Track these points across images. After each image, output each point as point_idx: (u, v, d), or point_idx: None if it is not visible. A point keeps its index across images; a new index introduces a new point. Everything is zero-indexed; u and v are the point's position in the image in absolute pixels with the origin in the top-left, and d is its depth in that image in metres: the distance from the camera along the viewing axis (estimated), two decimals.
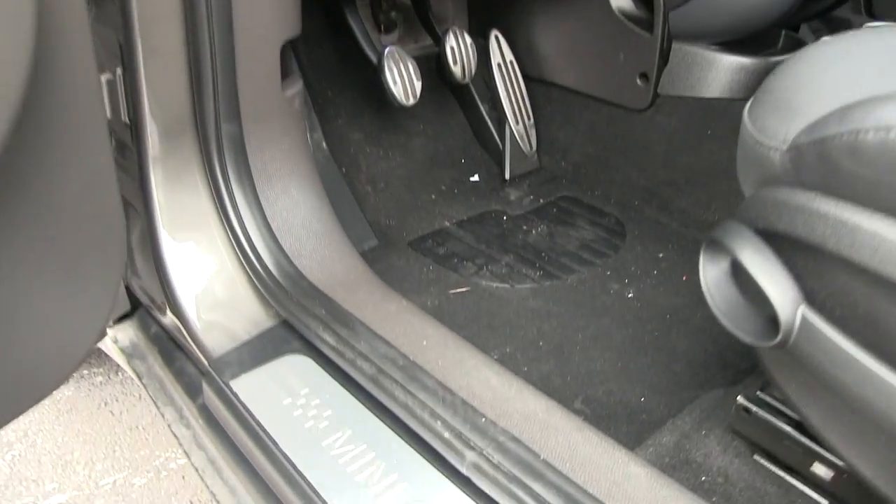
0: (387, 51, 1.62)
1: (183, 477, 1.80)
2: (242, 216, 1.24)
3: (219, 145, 1.22)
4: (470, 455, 0.90)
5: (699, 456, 1.00)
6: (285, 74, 1.30)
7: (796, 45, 1.66)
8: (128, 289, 1.42)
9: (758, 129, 0.85)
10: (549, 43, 1.89)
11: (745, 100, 1.67)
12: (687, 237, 1.67)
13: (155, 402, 1.24)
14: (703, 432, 1.04)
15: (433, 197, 1.83)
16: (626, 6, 1.69)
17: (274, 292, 1.19)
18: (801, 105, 0.80)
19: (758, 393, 0.96)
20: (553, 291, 1.51)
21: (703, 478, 0.98)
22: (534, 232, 1.71)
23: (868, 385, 0.69)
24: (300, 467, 0.97)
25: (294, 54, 1.66)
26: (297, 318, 1.15)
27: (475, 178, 1.90)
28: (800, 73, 0.86)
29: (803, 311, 0.75)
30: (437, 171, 1.89)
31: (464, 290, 1.51)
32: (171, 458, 1.85)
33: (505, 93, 1.89)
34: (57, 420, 1.97)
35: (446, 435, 0.92)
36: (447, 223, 1.74)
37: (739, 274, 0.84)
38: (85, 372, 2.13)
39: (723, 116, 1.67)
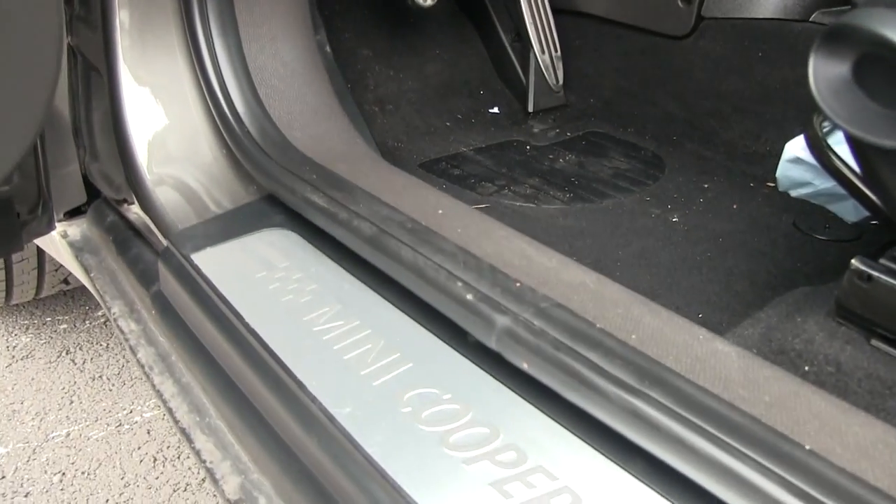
0: None
1: (148, 431, 1.56)
2: (224, 76, 1.02)
3: None
4: (501, 321, 0.66)
5: (798, 344, 0.77)
6: None
7: None
8: (85, 180, 1.19)
9: None
10: None
11: (802, 21, 1.50)
12: (734, 170, 1.45)
13: (102, 298, 1.01)
14: (799, 320, 0.80)
15: (447, 124, 1.62)
16: None
17: (256, 160, 0.97)
18: None
19: (880, 260, 0.73)
20: (585, 213, 1.29)
21: (807, 367, 0.74)
22: (561, 160, 1.50)
23: None
24: (271, 345, 0.74)
25: None
26: (282, 185, 0.92)
27: (495, 109, 1.69)
28: None
29: None
30: (452, 98, 1.68)
31: (483, 206, 1.29)
32: (136, 411, 1.61)
33: (530, 17, 1.68)
34: (9, 367, 1.73)
35: (469, 297, 0.69)
36: (463, 148, 1.53)
37: (869, 72, 0.62)
38: (48, 319, 1.89)
39: (775, 38, 1.46)
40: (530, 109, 1.68)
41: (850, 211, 1.14)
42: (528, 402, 0.64)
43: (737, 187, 1.40)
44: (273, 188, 0.94)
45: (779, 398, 0.60)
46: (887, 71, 0.60)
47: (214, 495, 1.42)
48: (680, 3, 1.56)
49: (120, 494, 1.42)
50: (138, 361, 0.89)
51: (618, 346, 0.63)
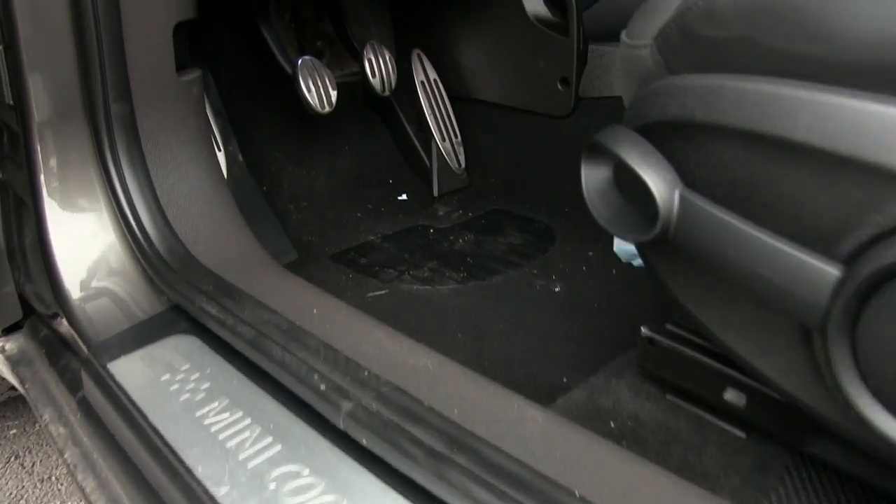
0: (301, 61, 1.60)
1: None
2: (134, 202, 1.18)
3: (108, 127, 1.17)
4: (346, 406, 0.81)
5: (608, 403, 0.92)
6: (183, 64, 1.26)
7: None
8: (21, 297, 1.33)
9: (629, 36, 0.81)
10: (469, 59, 1.89)
11: None
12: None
13: (35, 407, 1.14)
14: (614, 382, 0.96)
15: (358, 215, 1.78)
16: (540, 11, 1.70)
17: (163, 275, 1.11)
18: (670, 1, 0.77)
19: (666, 326, 0.89)
20: (476, 290, 1.44)
21: (612, 424, 0.89)
22: (460, 241, 1.66)
23: (754, 255, 0.63)
24: (168, 439, 0.88)
25: (212, 72, 1.64)
26: (184, 297, 1.07)
27: (403, 196, 1.86)
28: None
29: (681, 192, 0.69)
30: (362, 190, 1.85)
31: (382, 292, 1.44)
32: None
33: (430, 110, 1.87)
34: None
35: (322, 388, 0.84)
36: (372, 237, 1.69)
37: (621, 177, 0.79)
38: None
39: None
40: (435, 194, 1.85)
41: None
42: (369, 470, 0.78)
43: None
44: (177, 300, 1.09)
45: (568, 454, 0.75)
46: (633, 178, 0.77)
47: None
48: (559, 85, 1.75)
49: None
50: (65, 461, 1.02)
51: (438, 420, 0.77)
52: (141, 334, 1.09)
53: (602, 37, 1.67)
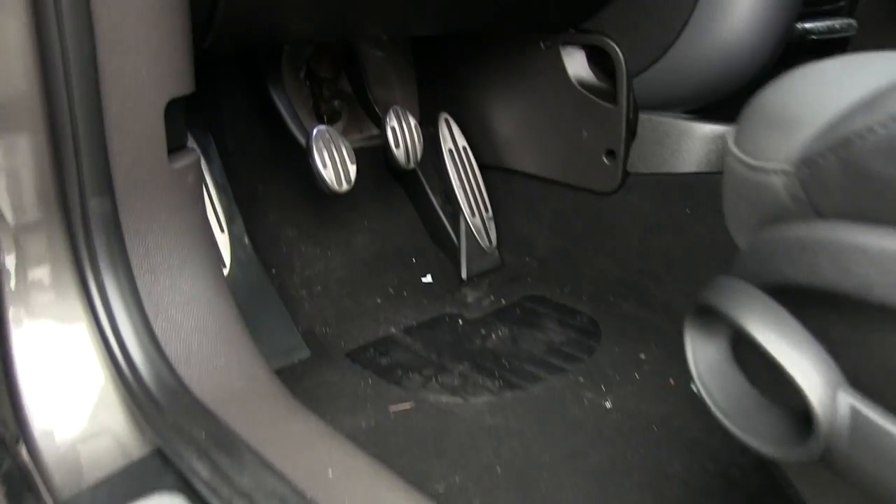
0: (315, 131, 1.42)
1: None
2: (116, 317, 0.98)
3: (86, 226, 0.98)
4: None
5: None
6: (178, 144, 1.08)
7: None
8: None
9: (749, 152, 0.62)
10: (504, 126, 1.71)
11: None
12: (671, 333, 1.42)
13: None
14: None
15: (378, 301, 1.59)
16: (585, 76, 1.51)
17: (148, 412, 0.92)
18: (808, 112, 0.57)
19: None
20: (515, 404, 1.24)
21: None
22: (493, 336, 1.46)
23: None
24: None
25: (215, 140, 1.47)
26: (171, 445, 0.87)
27: (427, 278, 1.67)
28: (796, 86, 0.64)
29: (848, 399, 0.49)
30: (383, 271, 1.66)
31: (406, 406, 1.24)
32: None
33: (458, 182, 1.68)
34: None
35: None
36: (393, 330, 1.49)
37: (744, 352, 0.59)
38: None
39: (702, 193, 1.46)
40: (463, 276, 1.66)
41: None
42: None
43: (673, 357, 1.36)
44: (163, 447, 0.89)
45: None
46: (767, 363, 0.56)
47: None
48: (605, 159, 1.56)
49: None
50: None
51: None
52: (118, 490, 0.89)
53: (655, 105, 1.48)
